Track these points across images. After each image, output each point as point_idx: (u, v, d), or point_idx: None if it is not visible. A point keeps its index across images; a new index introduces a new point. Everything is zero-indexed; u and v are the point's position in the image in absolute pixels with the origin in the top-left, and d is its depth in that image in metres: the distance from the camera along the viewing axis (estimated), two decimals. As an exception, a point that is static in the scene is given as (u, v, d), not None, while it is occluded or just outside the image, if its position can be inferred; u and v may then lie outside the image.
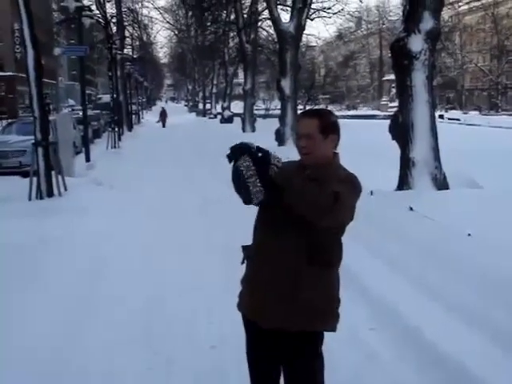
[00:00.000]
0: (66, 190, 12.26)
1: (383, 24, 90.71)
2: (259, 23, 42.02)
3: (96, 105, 52.04)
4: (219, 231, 9.15)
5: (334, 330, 3.23)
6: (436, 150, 10.70)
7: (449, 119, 56.84)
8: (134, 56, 56.73)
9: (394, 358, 4.76)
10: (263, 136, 27.04)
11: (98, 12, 37.58)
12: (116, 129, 29.36)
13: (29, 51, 11.54)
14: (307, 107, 48.89)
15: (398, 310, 5.54)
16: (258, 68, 50.19)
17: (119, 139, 30.01)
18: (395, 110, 11.69)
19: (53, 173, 12.01)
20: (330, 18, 35.58)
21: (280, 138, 23.49)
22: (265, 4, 29.85)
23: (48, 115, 12.99)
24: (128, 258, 7.79)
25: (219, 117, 57.50)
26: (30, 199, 11.52)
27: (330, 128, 3.18)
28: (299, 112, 29.38)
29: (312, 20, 33.10)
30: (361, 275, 6.54)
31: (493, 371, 4.30)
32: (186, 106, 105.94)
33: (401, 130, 10.77)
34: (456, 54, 79.91)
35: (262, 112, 57.65)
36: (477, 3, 77.47)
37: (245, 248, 3.30)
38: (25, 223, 9.23)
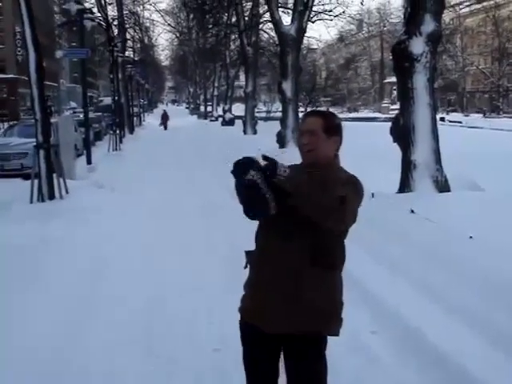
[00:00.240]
0: (67, 192, 12.27)
1: (384, 26, 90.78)
2: (260, 26, 42.00)
3: (97, 107, 52.02)
4: (220, 233, 9.18)
5: (337, 334, 3.22)
6: (437, 152, 10.69)
7: (450, 122, 56.85)
8: (136, 58, 56.71)
9: (396, 361, 4.76)
10: (264, 138, 27.14)
11: (99, 15, 37.55)
12: (117, 131, 29.37)
13: (30, 54, 11.56)
14: (308, 110, 48.97)
15: (399, 313, 5.54)
16: (260, 70, 50.19)
17: (121, 142, 30.01)
18: (396, 112, 11.69)
19: (54, 175, 12.02)
20: (331, 20, 35.57)
21: (281, 141, 23.50)
22: (266, 7, 29.86)
23: (50, 118, 13.00)
24: (129, 259, 7.81)
25: (220, 119, 57.53)
26: (31, 202, 11.52)
27: (333, 129, 3.20)
28: (301, 114, 29.43)
29: (313, 22, 33.05)
30: (362, 278, 6.53)
31: (494, 374, 4.30)
32: (187, 108, 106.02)
33: (402, 133, 10.76)
34: (457, 57, 79.97)
35: (264, 114, 57.62)
36: (478, 6, 77.58)
37: (248, 253, 3.29)
38: (26, 226, 9.25)
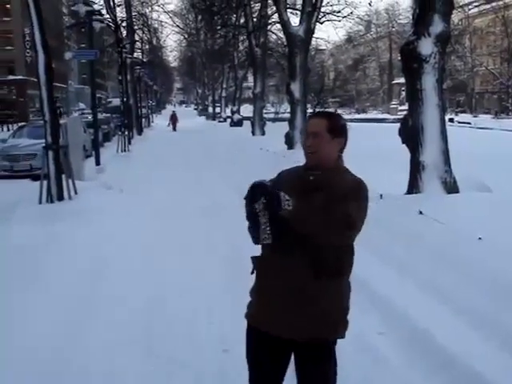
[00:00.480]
0: (76, 193, 12.31)
1: (393, 27, 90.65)
2: (269, 27, 42.04)
3: (106, 108, 52.14)
4: (222, 233, 9.20)
5: (343, 337, 3.24)
6: (446, 153, 10.66)
7: (459, 123, 56.64)
8: (144, 60, 56.86)
9: (403, 362, 4.75)
10: (273, 139, 27.13)
11: (108, 16, 37.68)
12: (126, 132, 29.44)
13: (40, 55, 11.60)
14: (317, 111, 48.93)
15: (407, 314, 5.53)
16: (268, 71, 50.17)
17: (129, 143, 30.08)
18: (404, 113, 11.66)
19: (63, 176, 12.05)
20: (339, 21, 35.64)
21: (289, 142, 23.50)
22: (274, 8, 29.88)
23: (59, 119, 13.05)
24: (134, 260, 7.82)
25: (229, 120, 57.56)
26: (40, 202, 11.56)
27: (337, 130, 3.19)
28: (308, 115, 29.48)
29: (321, 23, 33.11)
30: (370, 279, 6.51)
31: (503, 375, 4.29)
32: (195, 109, 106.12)
33: (411, 134, 10.74)
34: (466, 57, 79.69)
35: (272, 115, 57.65)
36: (487, 6, 77.27)
37: (254, 259, 3.31)
38: (35, 226, 9.28)
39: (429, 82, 10.59)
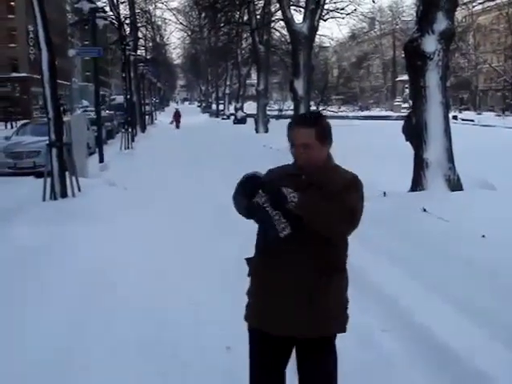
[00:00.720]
0: (79, 190, 12.31)
1: (396, 24, 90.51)
2: (272, 24, 42.01)
3: (109, 106, 52.22)
4: (228, 234, 9.19)
5: (344, 331, 3.28)
6: (450, 151, 10.65)
7: (463, 120, 56.57)
8: (148, 57, 56.90)
9: (407, 359, 4.77)
10: (276, 137, 27.00)
11: (111, 13, 37.72)
12: (129, 130, 29.45)
13: (43, 53, 11.60)
14: (320, 108, 48.87)
15: (411, 312, 5.52)
16: (271, 69, 50.16)
17: (132, 140, 30.09)
18: (408, 110, 11.64)
19: (67, 173, 12.06)
20: (343, 18, 35.59)
21: (293, 139, 23.45)
22: (278, 5, 29.82)
23: (62, 116, 13.05)
24: (137, 259, 7.80)
25: (232, 118, 57.57)
26: (44, 200, 11.56)
27: (326, 135, 3.19)
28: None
29: (325, 21, 33.01)
30: (373, 277, 6.51)
31: (506, 372, 4.28)
32: (198, 106, 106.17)
33: (414, 131, 10.72)
34: (470, 55, 79.54)
35: (275, 113, 57.60)
36: (491, 3, 76.97)
37: (249, 260, 3.32)
38: (38, 224, 9.27)
39: (433, 79, 10.57)
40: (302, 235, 3.01)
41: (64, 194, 11.80)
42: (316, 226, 2.95)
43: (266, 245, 3.12)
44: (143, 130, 42.68)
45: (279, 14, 34.50)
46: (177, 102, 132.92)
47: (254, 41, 38.19)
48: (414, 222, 8.50)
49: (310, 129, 3.12)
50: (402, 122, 11.46)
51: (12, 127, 42.70)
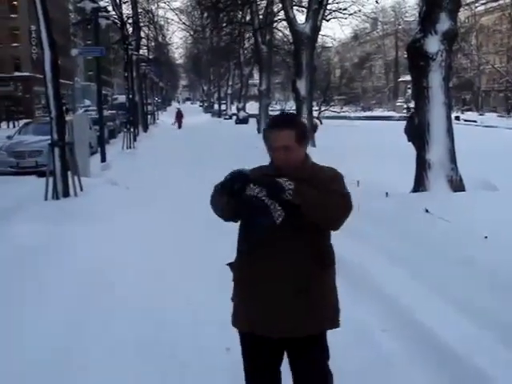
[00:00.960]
0: (81, 190, 12.32)
1: (399, 25, 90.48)
2: (275, 24, 41.97)
3: (112, 105, 52.30)
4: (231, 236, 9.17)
5: (338, 326, 3.30)
6: (452, 151, 10.63)
7: (465, 121, 56.52)
8: (150, 57, 56.96)
9: (407, 358, 4.78)
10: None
11: (114, 13, 37.76)
12: (131, 129, 29.46)
13: (46, 52, 11.61)
14: (322, 108, 48.88)
15: (412, 312, 5.52)
16: (274, 69, 50.14)
17: (134, 140, 30.11)
18: (409, 111, 11.62)
19: (69, 173, 12.07)
20: (345, 18, 35.50)
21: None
22: (280, 5, 29.82)
23: (65, 116, 13.06)
24: (138, 259, 7.80)
25: (234, 118, 57.56)
26: (46, 199, 11.58)
27: (305, 137, 3.20)
28: (315, 113, 29.32)
29: (328, 21, 33.00)
30: (375, 277, 6.51)
31: (505, 372, 4.29)
32: (201, 106, 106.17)
33: (417, 132, 10.71)
34: (472, 55, 79.42)
35: (278, 113, 57.55)
36: (494, 4, 76.99)
37: (231, 265, 3.32)
38: (40, 223, 9.28)
39: (435, 79, 10.55)
40: (297, 222, 3.01)
41: (66, 194, 11.81)
42: (314, 213, 2.94)
43: (260, 236, 3.09)
44: (145, 129, 42.70)
45: (282, 14, 34.43)
46: (178, 102, 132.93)
47: (257, 41, 38.16)
48: (416, 223, 8.49)
49: (290, 131, 3.11)
50: (404, 123, 11.45)
51: (14, 126, 42.77)
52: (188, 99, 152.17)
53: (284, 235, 3.05)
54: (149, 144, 30.46)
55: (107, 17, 25.09)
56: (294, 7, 27.54)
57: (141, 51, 47.93)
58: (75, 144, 13.53)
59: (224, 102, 75.20)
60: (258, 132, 37.37)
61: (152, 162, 20.90)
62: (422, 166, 10.61)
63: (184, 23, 65.06)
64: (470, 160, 12.27)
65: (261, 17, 39.64)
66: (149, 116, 51.33)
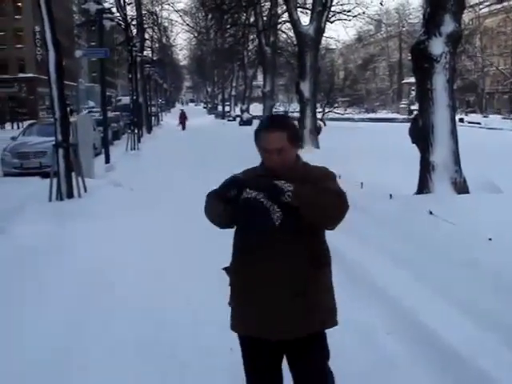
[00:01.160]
0: (85, 191, 12.34)
1: (403, 27, 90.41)
2: (279, 26, 42.02)
3: (116, 106, 52.34)
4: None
5: (336, 323, 3.29)
6: (456, 153, 10.61)
7: (469, 123, 56.42)
8: (154, 58, 57.05)
9: (410, 360, 4.77)
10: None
11: (118, 14, 37.81)
12: (135, 131, 29.49)
13: (50, 53, 11.64)
14: (326, 110, 48.85)
15: (416, 314, 5.51)
16: (278, 70, 50.16)
17: (138, 141, 30.13)
18: (415, 113, 11.60)
19: (73, 174, 12.09)
20: (349, 20, 35.56)
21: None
22: (284, 7, 29.83)
23: (69, 117, 13.09)
24: (141, 260, 7.79)
25: (238, 119, 57.58)
26: (50, 200, 11.60)
27: (296, 138, 3.20)
28: (319, 115, 29.30)
29: (332, 23, 33.02)
30: (378, 278, 6.50)
31: (509, 374, 4.28)
32: (204, 108, 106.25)
33: (421, 134, 10.70)
34: (476, 57, 79.34)
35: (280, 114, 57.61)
36: (498, 6, 76.91)
37: (228, 269, 3.31)
38: (44, 224, 9.30)
39: (439, 81, 10.54)
40: (295, 224, 3.00)
41: (70, 195, 11.84)
42: (312, 213, 2.93)
43: (260, 238, 3.07)
44: (149, 131, 42.74)
45: (286, 16, 34.49)
46: (182, 104, 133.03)
47: (261, 42, 38.22)
48: (420, 225, 8.48)
49: (282, 132, 3.09)
50: (407, 125, 11.44)
51: (18, 127, 42.85)
52: (192, 101, 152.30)
53: (282, 237, 3.04)
54: (153, 145, 30.48)
55: (111, 18, 25.09)
56: (298, 9, 27.57)
57: (145, 53, 47.98)
58: (79, 145, 13.55)
59: (228, 103, 75.27)
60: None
61: (156, 164, 20.91)
62: (426, 167, 10.59)
63: (188, 25, 65.28)
64: (474, 162, 12.25)
65: (265, 18, 39.74)
66: (153, 117, 51.39)
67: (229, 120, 64.77)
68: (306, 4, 36.30)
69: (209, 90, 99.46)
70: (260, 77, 56.76)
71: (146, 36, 51.11)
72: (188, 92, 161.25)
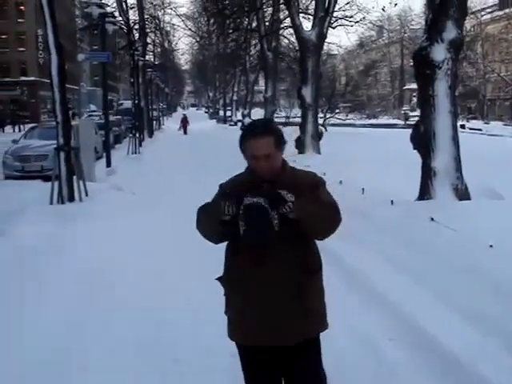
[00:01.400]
0: (86, 194, 12.34)
1: (405, 33, 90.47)
2: (281, 31, 42.07)
3: (117, 110, 52.38)
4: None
5: (327, 327, 3.31)
6: (458, 160, 10.61)
7: (470, 129, 56.40)
8: (156, 62, 57.11)
9: (411, 365, 4.77)
10: (283, 143, 27.05)
11: (120, 19, 37.89)
12: (137, 135, 29.52)
13: (53, 57, 11.65)
14: (327, 115, 48.88)
15: (417, 321, 5.50)
16: (279, 76, 50.19)
17: (140, 145, 30.15)
18: (416, 119, 11.60)
19: (74, 177, 12.09)
20: (351, 26, 35.56)
21: (300, 146, 23.47)
22: (287, 12, 29.88)
23: (71, 120, 13.10)
24: (141, 263, 7.78)
25: (240, 124, 57.57)
26: (51, 203, 11.60)
27: (282, 142, 3.17)
28: (320, 120, 29.33)
29: (334, 28, 33.05)
30: (379, 284, 6.50)
31: (509, 379, 4.29)
32: (206, 112, 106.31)
33: (422, 140, 10.69)
34: (478, 64, 79.39)
35: (283, 120, 57.65)
36: (499, 12, 77.00)
37: (221, 279, 3.36)
38: (45, 227, 9.31)
39: (441, 88, 10.54)
40: (291, 231, 3.01)
41: (71, 198, 11.84)
42: (310, 225, 2.98)
43: (259, 243, 3.05)
44: (151, 135, 42.78)
45: (288, 21, 34.54)
46: (184, 108, 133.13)
47: (263, 47, 38.22)
48: (421, 231, 8.48)
49: (269, 138, 3.07)
50: (409, 131, 11.44)
51: (20, 130, 42.89)
52: (193, 105, 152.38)
53: (279, 243, 3.04)
54: (154, 149, 30.51)
55: (114, 22, 25.13)
56: (300, 14, 27.64)
57: (147, 57, 48.10)
58: (81, 149, 13.56)
59: (229, 108, 75.30)
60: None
61: (157, 168, 20.92)
62: (427, 174, 10.58)
63: (190, 29, 65.38)
64: (475, 168, 12.25)
65: (267, 23, 39.73)
66: (154, 122, 51.43)
67: (230, 125, 64.77)
68: (308, 9, 36.39)
69: (210, 94, 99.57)
70: (262, 82, 56.72)
71: (148, 40, 51.20)
72: (189, 96, 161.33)
